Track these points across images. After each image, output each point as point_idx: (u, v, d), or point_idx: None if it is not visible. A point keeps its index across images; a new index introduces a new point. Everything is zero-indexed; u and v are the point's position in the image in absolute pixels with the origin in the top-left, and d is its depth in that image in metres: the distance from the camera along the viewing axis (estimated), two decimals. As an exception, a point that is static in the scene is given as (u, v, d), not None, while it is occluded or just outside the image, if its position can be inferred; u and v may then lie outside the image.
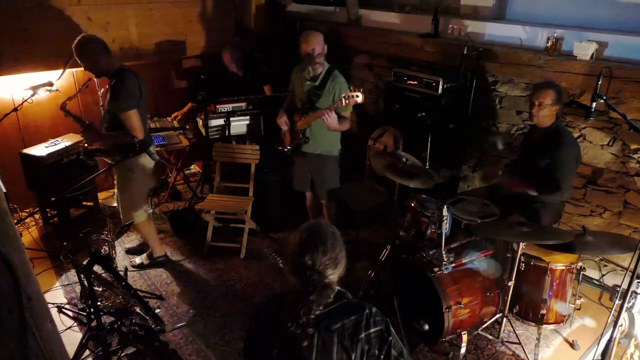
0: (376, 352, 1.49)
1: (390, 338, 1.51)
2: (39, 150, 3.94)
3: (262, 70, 4.78)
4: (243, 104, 4.29)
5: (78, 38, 3.01)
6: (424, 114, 3.78)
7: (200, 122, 4.46)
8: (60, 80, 4.01)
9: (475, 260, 2.82)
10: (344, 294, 1.58)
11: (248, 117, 4.31)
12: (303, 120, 3.33)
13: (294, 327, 1.46)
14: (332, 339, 1.46)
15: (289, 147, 3.51)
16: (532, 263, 2.72)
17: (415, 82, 3.82)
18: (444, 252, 2.73)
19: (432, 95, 3.70)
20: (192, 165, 5.39)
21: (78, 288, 3.05)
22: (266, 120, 4.34)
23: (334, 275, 1.57)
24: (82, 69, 3.12)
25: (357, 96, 3.01)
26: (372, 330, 1.49)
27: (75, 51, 2.99)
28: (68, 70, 4.06)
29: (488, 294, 2.77)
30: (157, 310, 2.92)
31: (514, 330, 2.82)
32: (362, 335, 1.47)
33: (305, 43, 3.16)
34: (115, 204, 3.66)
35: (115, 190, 3.57)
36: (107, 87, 3.13)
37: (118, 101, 3.01)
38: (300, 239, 1.57)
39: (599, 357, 2.11)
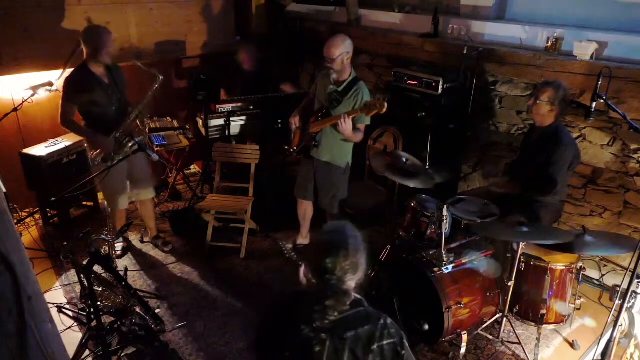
0: None
1: (404, 352, 1.48)
2: (39, 150, 3.94)
3: (281, 70, 4.81)
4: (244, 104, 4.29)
5: (102, 27, 3.26)
6: (424, 114, 3.78)
7: (200, 122, 4.46)
8: (60, 80, 4.01)
9: (475, 260, 2.82)
10: (361, 301, 1.55)
11: (249, 116, 4.32)
12: (317, 123, 3.24)
13: (307, 331, 1.45)
14: (344, 347, 1.44)
15: (295, 148, 3.44)
16: (532, 263, 2.72)
17: (415, 82, 3.82)
18: (444, 252, 2.73)
19: (432, 95, 3.70)
20: (192, 165, 5.39)
21: (78, 288, 3.05)
22: (267, 120, 4.34)
23: (352, 280, 1.55)
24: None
25: (381, 106, 2.86)
26: (385, 343, 1.47)
27: (109, 38, 3.19)
28: (68, 70, 4.06)
29: (488, 294, 2.77)
30: (157, 310, 2.92)
31: (514, 330, 2.82)
32: (375, 347, 1.45)
33: (326, 47, 3.08)
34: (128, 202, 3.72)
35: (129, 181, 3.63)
36: (105, 78, 3.32)
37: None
38: (323, 242, 1.57)
39: (599, 357, 2.11)
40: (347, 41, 3.10)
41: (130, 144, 3.30)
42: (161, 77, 3.31)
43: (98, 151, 3.35)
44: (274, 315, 1.62)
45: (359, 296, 1.56)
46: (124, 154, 3.24)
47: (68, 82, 3.25)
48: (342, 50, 3.06)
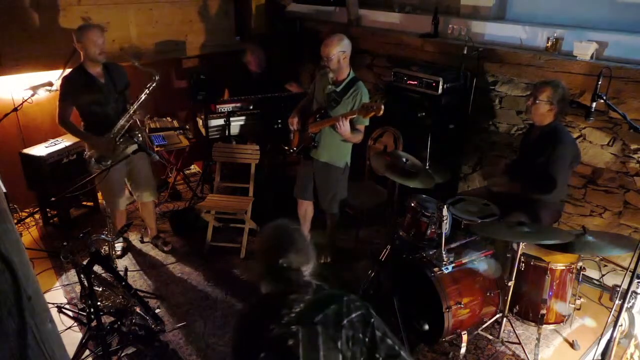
0: (360, 335, 1.50)
1: (372, 320, 1.52)
2: (39, 150, 3.94)
3: (285, 69, 4.80)
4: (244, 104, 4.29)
5: (96, 25, 3.24)
6: (424, 114, 3.77)
7: (200, 122, 4.46)
8: (59, 80, 4.01)
9: (475, 260, 2.82)
10: (321, 286, 1.60)
11: (249, 116, 4.31)
12: (316, 124, 3.23)
13: (277, 328, 1.48)
14: (317, 331, 1.47)
15: (295, 149, 3.43)
16: (532, 263, 2.72)
17: (415, 82, 3.82)
18: (444, 252, 2.73)
19: (432, 95, 3.70)
20: (192, 165, 5.39)
21: (78, 288, 3.05)
22: (267, 120, 4.33)
23: (308, 270, 1.60)
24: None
25: (377, 108, 2.85)
26: (353, 315, 1.51)
27: (98, 35, 3.18)
28: (67, 70, 4.06)
29: (488, 294, 2.77)
30: (157, 310, 2.92)
31: (514, 330, 2.82)
32: (345, 322, 1.49)
33: (322, 46, 3.08)
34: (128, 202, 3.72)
35: (129, 182, 3.65)
36: (102, 78, 3.32)
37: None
38: (270, 244, 1.60)
39: (599, 357, 2.11)
40: (344, 40, 3.10)
41: (122, 146, 3.30)
42: (157, 77, 3.31)
43: (92, 151, 3.35)
44: (243, 330, 1.64)
45: (319, 282, 1.60)
46: (122, 154, 3.24)
47: (63, 82, 3.29)
48: (338, 49, 3.06)
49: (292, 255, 1.55)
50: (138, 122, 3.46)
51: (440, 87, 3.63)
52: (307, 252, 1.60)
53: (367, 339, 1.50)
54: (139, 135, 3.38)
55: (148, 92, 3.33)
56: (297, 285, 1.53)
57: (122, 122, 3.30)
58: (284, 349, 1.46)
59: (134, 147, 3.07)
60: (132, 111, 3.30)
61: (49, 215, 4.24)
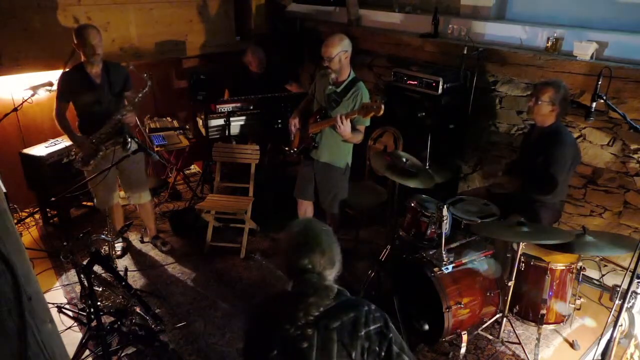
0: (377, 348, 1.48)
1: (390, 334, 1.50)
2: (39, 150, 3.94)
3: (285, 70, 4.79)
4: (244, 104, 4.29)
5: (92, 26, 3.20)
6: (424, 114, 3.77)
7: (200, 122, 4.46)
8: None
9: (475, 260, 2.81)
10: (343, 292, 1.57)
11: (249, 116, 4.31)
12: (316, 124, 3.23)
13: (293, 329, 1.46)
14: (332, 338, 1.46)
15: (295, 149, 3.42)
16: (532, 263, 2.72)
17: (415, 82, 3.82)
18: (444, 252, 2.73)
19: (432, 95, 3.70)
20: (192, 165, 5.39)
21: (78, 288, 3.05)
22: (267, 120, 4.34)
23: (332, 275, 1.57)
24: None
25: (377, 108, 2.83)
26: (371, 328, 1.49)
27: (99, 37, 3.16)
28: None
29: (488, 294, 2.77)
30: (157, 310, 2.92)
31: (514, 330, 2.82)
32: (362, 333, 1.47)
33: (323, 46, 3.07)
34: (126, 203, 3.72)
35: (123, 184, 3.65)
36: (98, 78, 3.28)
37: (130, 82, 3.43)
38: (295, 241, 1.56)
39: (599, 357, 2.12)
40: (344, 40, 3.09)
41: (107, 150, 3.29)
42: (149, 83, 3.30)
43: (76, 150, 3.35)
44: (257, 321, 1.62)
45: (341, 288, 1.57)
46: (118, 156, 3.22)
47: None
48: (339, 49, 3.05)
49: (316, 258, 1.51)
50: (138, 122, 3.45)
51: (440, 87, 3.63)
52: (333, 255, 1.56)
53: (383, 353, 1.48)
54: (129, 140, 3.28)
55: (140, 97, 3.31)
56: (316, 288, 1.49)
57: (107, 126, 3.27)
58: (297, 351, 1.45)
59: (133, 147, 3.07)
60: (117, 116, 3.27)
61: (49, 215, 4.24)
